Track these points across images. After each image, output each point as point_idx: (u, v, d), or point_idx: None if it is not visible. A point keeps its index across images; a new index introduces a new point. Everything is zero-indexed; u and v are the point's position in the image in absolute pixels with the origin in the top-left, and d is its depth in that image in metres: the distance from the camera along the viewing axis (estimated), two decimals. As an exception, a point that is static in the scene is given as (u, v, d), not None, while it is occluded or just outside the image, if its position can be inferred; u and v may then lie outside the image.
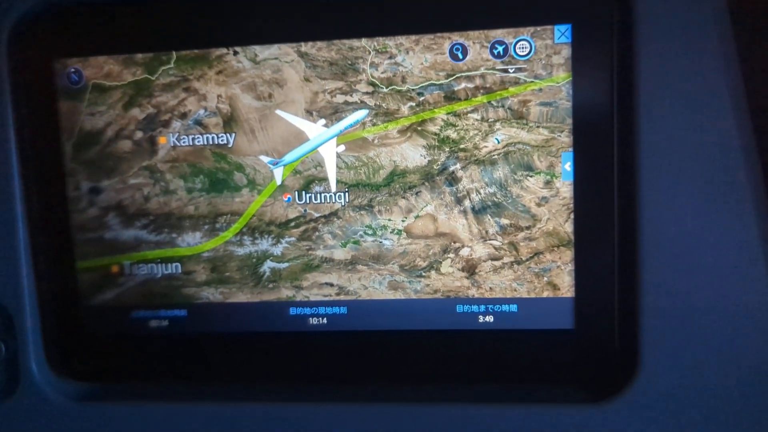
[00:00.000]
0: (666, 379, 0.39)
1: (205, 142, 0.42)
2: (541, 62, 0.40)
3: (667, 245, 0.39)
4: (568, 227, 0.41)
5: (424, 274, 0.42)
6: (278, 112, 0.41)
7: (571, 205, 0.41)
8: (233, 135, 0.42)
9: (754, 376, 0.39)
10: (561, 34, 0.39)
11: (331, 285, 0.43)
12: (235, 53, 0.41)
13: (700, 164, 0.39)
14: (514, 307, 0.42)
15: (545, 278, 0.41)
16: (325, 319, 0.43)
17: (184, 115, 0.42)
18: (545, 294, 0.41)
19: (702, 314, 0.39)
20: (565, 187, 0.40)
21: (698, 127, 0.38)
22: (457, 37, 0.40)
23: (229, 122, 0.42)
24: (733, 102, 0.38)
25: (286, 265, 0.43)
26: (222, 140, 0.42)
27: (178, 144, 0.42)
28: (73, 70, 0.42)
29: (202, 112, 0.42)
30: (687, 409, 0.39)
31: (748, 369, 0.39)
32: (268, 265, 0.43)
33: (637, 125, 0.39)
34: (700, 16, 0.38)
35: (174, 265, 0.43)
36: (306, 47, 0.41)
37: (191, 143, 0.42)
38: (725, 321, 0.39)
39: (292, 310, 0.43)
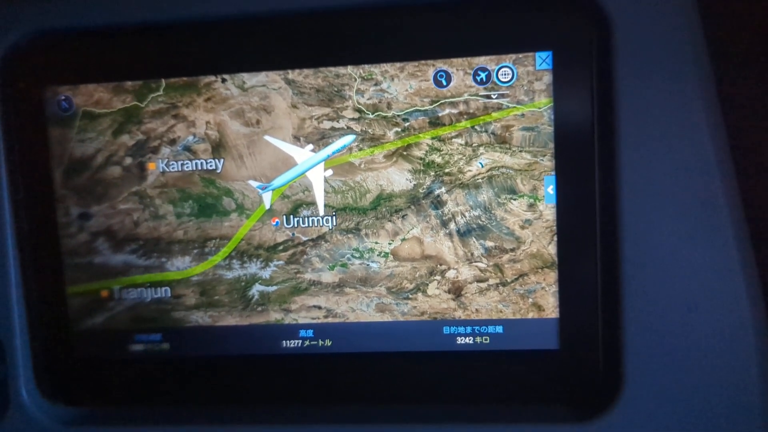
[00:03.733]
0: (649, 397, 0.40)
1: (194, 168, 0.43)
2: (523, 88, 0.41)
3: (648, 266, 0.40)
4: (552, 249, 0.41)
5: (410, 296, 0.43)
6: (266, 137, 0.42)
7: (554, 228, 0.41)
8: (222, 160, 0.43)
9: (736, 395, 0.40)
10: (542, 60, 0.40)
11: (319, 308, 0.43)
12: (224, 80, 0.42)
13: (680, 186, 0.40)
14: (500, 329, 0.42)
15: (530, 299, 0.42)
16: (313, 341, 0.43)
17: (173, 142, 0.43)
18: (530, 315, 0.42)
19: (684, 334, 0.40)
20: (548, 210, 0.41)
21: (677, 149, 0.39)
22: (441, 64, 0.41)
23: (218, 148, 0.43)
24: (711, 125, 0.39)
25: (274, 288, 0.43)
26: (211, 166, 0.43)
27: (168, 170, 0.43)
28: (63, 97, 0.43)
29: (191, 138, 0.43)
30: (670, 427, 0.40)
31: (730, 387, 0.40)
32: (256, 289, 0.43)
33: (618, 149, 0.40)
34: (677, 42, 0.39)
35: (163, 289, 0.44)
36: (293, 74, 0.42)
37: (180, 169, 0.43)
38: (707, 340, 0.40)
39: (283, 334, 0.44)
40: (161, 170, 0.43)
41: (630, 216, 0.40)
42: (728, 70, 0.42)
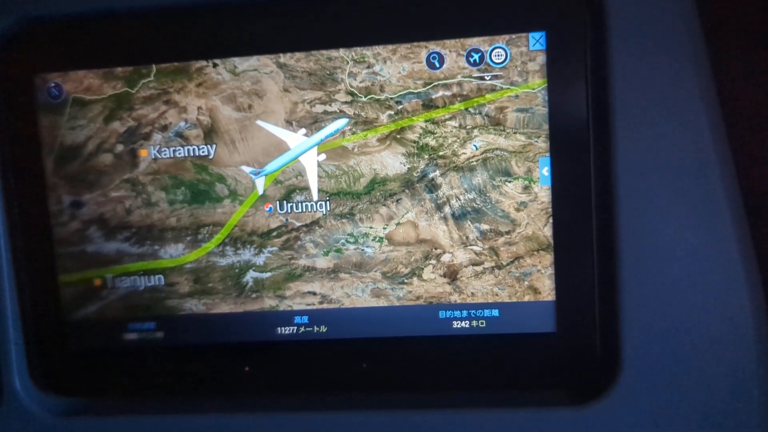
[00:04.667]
0: (647, 380, 0.40)
1: (186, 154, 0.43)
2: (516, 69, 0.40)
3: (645, 247, 0.39)
4: (547, 231, 0.41)
5: (406, 280, 0.42)
6: (258, 122, 0.42)
7: (550, 210, 0.41)
8: (214, 146, 0.42)
9: (734, 378, 0.39)
10: (535, 41, 0.40)
11: (314, 294, 0.43)
12: (215, 65, 0.42)
13: (676, 167, 0.39)
14: (496, 312, 0.42)
15: (526, 282, 0.42)
16: (308, 328, 0.43)
17: (164, 128, 0.42)
18: (526, 298, 0.42)
19: (681, 316, 0.39)
20: (543, 192, 0.41)
21: (673, 130, 0.39)
22: (433, 46, 0.41)
23: (210, 134, 0.42)
24: (707, 105, 0.39)
25: (268, 274, 0.43)
26: (203, 152, 0.42)
27: (159, 156, 0.43)
28: (53, 84, 0.42)
29: (182, 124, 0.42)
30: (668, 410, 0.40)
31: (728, 370, 0.39)
32: (250, 275, 0.43)
33: (613, 129, 0.39)
34: (671, 21, 0.39)
35: (157, 277, 0.43)
36: (285, 58, 0.41)
37: (172, 155, 0.43)
38: (705, 324, 0.39)
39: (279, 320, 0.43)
40: (153, 157, 0.43)
41: (626, 197, 0.39)
42: (723, 49, 0.42)
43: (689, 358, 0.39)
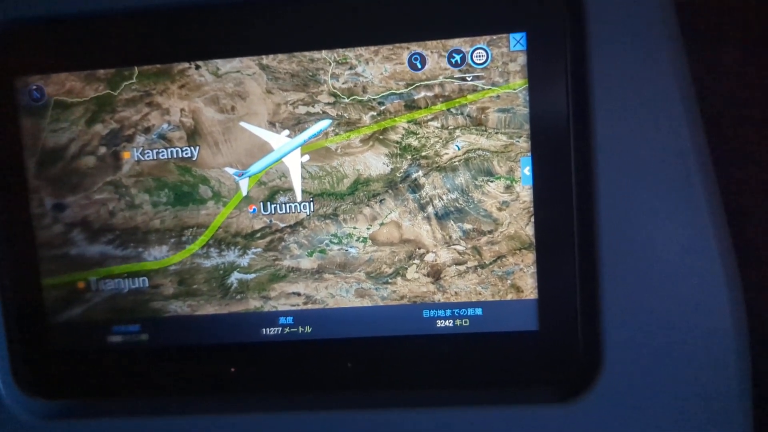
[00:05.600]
0: (629, 377, 0.40)
1: (170, 156, 0.43)
2: (497, 70, 0.41)
3: (625, 245, 0.40)
4: (529, 230, 0.42)
5: (390, 280, 0.43)
6: (242, 124, 0.42)
7: (532, 209, 0.41)
8: (197, 148, 0.42)
9: (713, 373, 0.40)
10: (516, 42, 0.40)
11: (299, 294, 0.43)
12: (197, 67, 0.42)
13: (655, 165, 0.40)
14: (479, 311, 0.42)
15: (509, 281, 0.42)
16: (293, 329, 0.43)
17: (147, 130, 0.42)
18: (509, 297, 0.42)
19: (662, 313, 0.40)
20: (525, 192, 0.41)
21: (652, 129, 0.40)
22: (415, 47, 0.41)
23: (193, 135, 0.42)
24: (685, 104, 0.40)
25: (253, 276, 0.43)
26: (186, 153, 0.42)
27: (143, 158, 0.43)
28: (34, 87, 0.42)
29: (165, 126, 0.42)
30: (650, 406, 0.40)
31: (708, 366, 0.40)
32: (235, 277, 0.43)
33: (593, 129, 0.40)
34: (649, 20, 0.40)
35: (141, 279, 0.43)
36: (267, 60, 0.41)
37: (155, 157, 0.43)
38: (685, 321, 0.40)
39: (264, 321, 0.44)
40: (136, 159, 0.43)
41: (606, 196, 0.40)
42: (701, 48, 0.42)
43: (670, 354, 0.40)
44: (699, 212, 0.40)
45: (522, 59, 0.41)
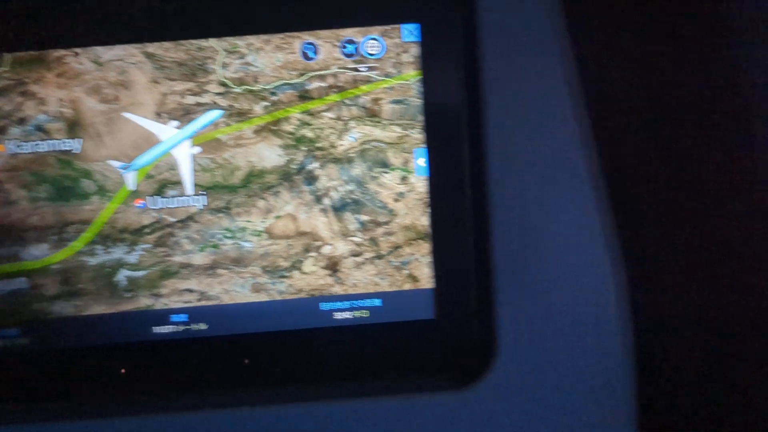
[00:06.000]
0: (522, 363, 0.41)
1: (49, 149, 0.40)
2: (391, 61, 0.41)
3: (517, 236, 0.41)
4: (425, 221, 0.42)
5: (286, 274, 0.42)
6: (126, 114, 0.40)
7: (427, 200, 0.42)
8: (79, 140, 0.40)
9: (602, 359, 0.41)
10: (409, 33, 0.40)
11: (191, 291, 0.42)
12: (76, 54, 0.39)
13: (546, 157, 0.41)
14: (378, 301, 0.42)
15: (405, 271, 0.42)
16: (187, 326, 0.42)
17: (22, 121, 0.40)
18: (406, 287, 0.42)
19: (553, 301, 0.41)
20: (419, 183, 0.42)
21: (542, 121, 0.41)
22: (307, 37, 0.40)
23: (73, 127, 0.40)
24: (572, 96, 0.41)
25: (142, 273, 0.41)
26: (67, 146, 0.40)
27: (19, 151, 0.40)
28: None
29: (42, 117, 0.40)
30: (542, 391, 0.41)
31: (595, 354, 0.41)
32: (123, 274, 0.41)
33: (485, 120, 0.40)
34: (538, 16, 0.40)
35: (20, 280, 0.41)
36: (152, 48, 0.40)
37: (33, 150, 0.40)
38: (574, 306, 0.41)
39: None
40: (11, 152, 0.40)
41: (498, 188, 0.41)
42: (586, 42, 0.43)
43: (562, 341, 0.41)
44: (587, 203, 0.41)
45: (415, 50, 0.41)
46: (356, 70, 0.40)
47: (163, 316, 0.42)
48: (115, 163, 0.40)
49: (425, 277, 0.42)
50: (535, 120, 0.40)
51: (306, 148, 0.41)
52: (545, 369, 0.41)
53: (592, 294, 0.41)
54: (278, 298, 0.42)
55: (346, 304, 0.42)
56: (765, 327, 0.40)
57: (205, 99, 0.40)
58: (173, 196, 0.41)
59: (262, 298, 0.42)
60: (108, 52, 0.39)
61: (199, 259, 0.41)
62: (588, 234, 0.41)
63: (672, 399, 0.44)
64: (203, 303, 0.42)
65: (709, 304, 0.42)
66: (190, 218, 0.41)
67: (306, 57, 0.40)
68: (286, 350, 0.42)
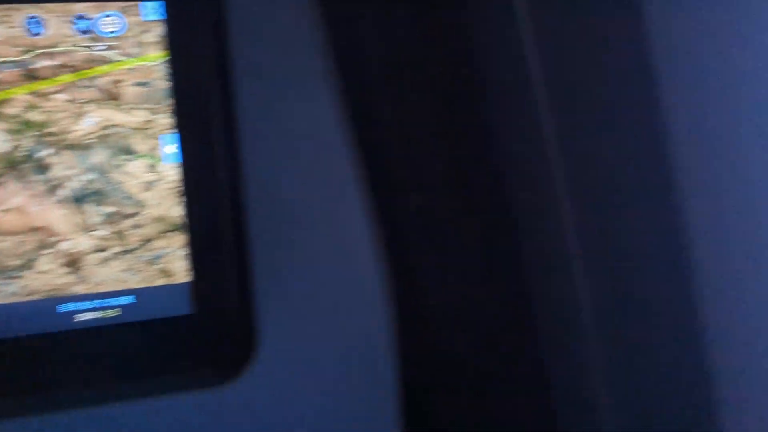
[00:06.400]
0: (284, 353, 0.40)
1: None
2: (132, 40, 0.38)
3: (274, 224, 0.40)
4: (179, 211, 0.40)
5: (17, 274, 0.38)
6: None
7: (180, 189, 0.39)
8: None
9: (366, 349, 0.41)
10: (151, 10, 0.38)
11: None
12: None
13: (304, 138, 0.40)
14: (130, 299, 0.40)
15: (158, 266, 0.40)
16: None
17: None
18: (160, 282, 0.40)
19: (314, 295, 0.40)
20: (170, 171, 0.39)
21: (295, 104, 0.40)
22: (32, 10, 0.36)
23: None
24: (325, 81, 0.40)
25: None
26: None
27: None
28: None
29: None
30: (307, 382, 0.41)
31: (361, 342, 0.41)
32: None
33: (236, 106, 0.39)
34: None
35: None
36: None
37: None
38: (337, 295, 0.41)
39: None
40: None
41: (254, 174, 0.39)
42: (338, 28, 0.43)
43: (324, 332, 0.41)
44: (348, 193, 0.41)
45: (159, 30, 0.38)
46: (90, 48, 0.37)
47: None
48: None
49: (181, 270, 0.40)
50: (289, 102, 0.40)
51: (36, 134, 0.37)
52: (308, 360, 0.41)
53: (355, 284, 0.41)
54: (10, 301, 0.38)
55: (90, 303, 0.39)
56: (516, 321, 0.42)
57: None
58: None
59: (-11, 301, 0.37)
60: None
61: None
62: (350, 222, 0.41)
63: (435, 390, 0.45)
64: None
65: (465, 299, 0.44)
66: None
67: (31, 33, 0.36)
68: (22, 358, 0.38)
